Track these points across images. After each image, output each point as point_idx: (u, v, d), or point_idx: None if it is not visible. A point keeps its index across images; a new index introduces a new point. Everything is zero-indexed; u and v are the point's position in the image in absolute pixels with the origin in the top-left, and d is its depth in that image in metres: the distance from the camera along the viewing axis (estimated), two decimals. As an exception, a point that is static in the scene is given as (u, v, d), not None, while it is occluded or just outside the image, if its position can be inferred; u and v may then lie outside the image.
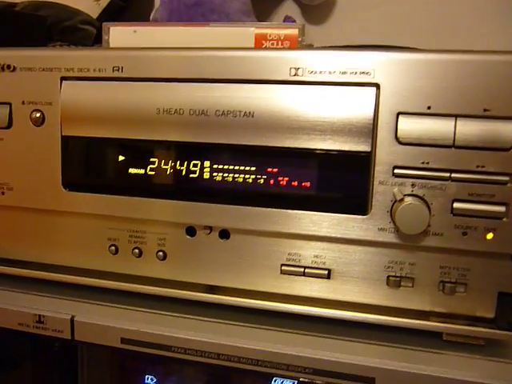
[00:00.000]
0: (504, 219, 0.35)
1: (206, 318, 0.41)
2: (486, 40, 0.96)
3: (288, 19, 1.18)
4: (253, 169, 0.39)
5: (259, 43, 0.45)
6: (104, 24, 0.48)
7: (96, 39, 1.17)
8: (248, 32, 0.45)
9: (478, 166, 0.35)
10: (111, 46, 0.48)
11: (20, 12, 0.96)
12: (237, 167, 0.40)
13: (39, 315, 0.42)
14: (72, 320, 0.41)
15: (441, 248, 0.37)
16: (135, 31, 0.47)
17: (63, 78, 0.42)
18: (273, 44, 0.45)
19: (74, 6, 1.21)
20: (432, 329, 0.38)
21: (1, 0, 1.26)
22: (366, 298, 0.39)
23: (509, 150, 0.35)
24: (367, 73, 0.36)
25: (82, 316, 0.41)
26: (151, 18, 1.19)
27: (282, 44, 0.45)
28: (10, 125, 0.44)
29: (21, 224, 0.46)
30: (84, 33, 1.17)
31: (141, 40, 0.47)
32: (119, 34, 0.47)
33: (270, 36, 0.45)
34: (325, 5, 1.20)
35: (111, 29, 0.47)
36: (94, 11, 1.21)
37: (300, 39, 0.44)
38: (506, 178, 0.35)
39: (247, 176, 0.39)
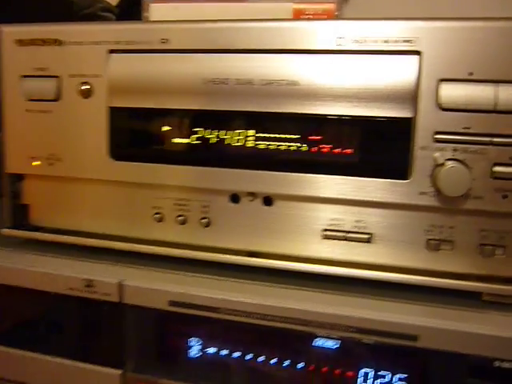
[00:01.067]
0: (544, 181, 0.36)
1: (250, 281, 0.43)
2: None
3: None
4: (296, 136, 0.41)
5: (297, 18, 0.46)
6: (144, 1, 0.49)
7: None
8: (286, 7, 0.46)
9: (518, 130, 0.37)
10: (151, 21, 0.49)
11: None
12: (280, 135, 0.41)
13: (89, 279, 0.44)
14: (120, 284, 0.43)
15: (481, 211, 0.38)
16: (175, 8, 0.48)
17: (111, 51, 0.43)
18: (310, 19, 0.46)
19: (94, -6, 1.23)
20: (472, 289, 0.39)
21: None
22: (406, 261, 0.41)
23: (550, 113, 0.36)
24: (410, 41, 0.38)
25: (131, 280, 0.43)
26: None
27: (319, 19, 0.46)
28: (58, 97, 0.45)
29: (68, 194, 0.47)
30: (104, 20, 1.19)
31: (180, 16, 0.49)
32: (159, 11, 0.49)
33: (307, 11, 0.46)
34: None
35: (151, 6, 0.48)
36: (113, -2, 1.23)
37: (337, 13, 0.45)
38: (547, 141, 0.36)
39: (291, 144, 0.41)
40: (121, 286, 0.43)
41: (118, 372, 0.44)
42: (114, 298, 0.43)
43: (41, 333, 0.47)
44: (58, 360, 0.46)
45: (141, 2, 1.28)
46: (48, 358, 0.46)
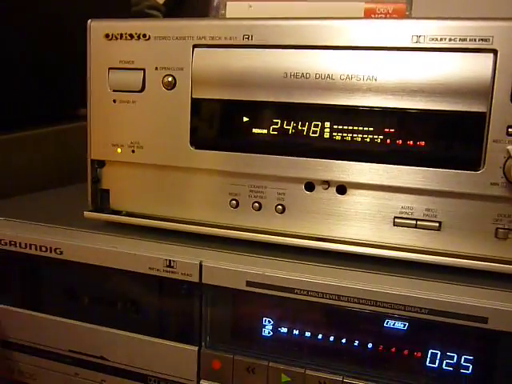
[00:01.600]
0: None
1: (323, 265, 0.45)
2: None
3: None
4: (371, 129, 0.43)
5: (368, 17, 0.49)
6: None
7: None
8: (358, 6, 0.49)
9: None
10: (227, 19, 0.52)
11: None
12: (355, 127, 0.43)
13: (169, 260, 0.46)
14: (200, 264, 0.46)
15: (549, 201, 0.40)
16: (250, 6, 0.51)
17: (195, 46, 0.46)
18: (381, 18, 0.49)
19: (140, -7, 1.26)
20: (540, 275, 0.41)
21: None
22: (475, 249, 0.43)
23: None
24: (486, 39, 0.40)
25: (210, 261, 0.46)
26: None
27: (390, 17, 0.48)
28: (143, 88, 0.48)
29: (149, 180, 0.50)
30: (151, 17, 1.22)
31: (255, 14, 0.51)
32: (235, 8, 0.51)
33: (378, 10, 0.49)
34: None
35: (228, 4, 0.51)
36: (160, -3, 1.27)
37: (408, 13, 0.48)
38: None
39: (365, 136, 0.43)
40: (201, 267, 0.46)
41: (195, 348, 0.47)
42: (195, 279, 0.46)
43: (121, 310, 0.50)
44: (138, 336, 0.49)
45: (186, 0, 1.31)
46: (127, 333, 0.49)
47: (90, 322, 0.51)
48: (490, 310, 0.40)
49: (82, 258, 0.49)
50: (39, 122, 0.69)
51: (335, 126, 0.44)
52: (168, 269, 0.47)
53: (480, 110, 0.40)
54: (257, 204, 0.47)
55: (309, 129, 0.45)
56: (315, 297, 0.43)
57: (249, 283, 0.45)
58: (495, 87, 0.40)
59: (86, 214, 0.51)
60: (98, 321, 0.51)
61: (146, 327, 0.49)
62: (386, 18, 0.48)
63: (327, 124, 0.44)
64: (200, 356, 0.47)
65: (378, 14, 0.48)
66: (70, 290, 0.52)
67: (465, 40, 0.40)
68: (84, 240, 0.50)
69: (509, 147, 0.40)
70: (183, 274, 0.46)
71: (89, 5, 0.73)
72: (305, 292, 0.43)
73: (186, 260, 0.46)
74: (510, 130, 0.40)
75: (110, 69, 0.49)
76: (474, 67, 0.40)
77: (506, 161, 0.40)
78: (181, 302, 0.48)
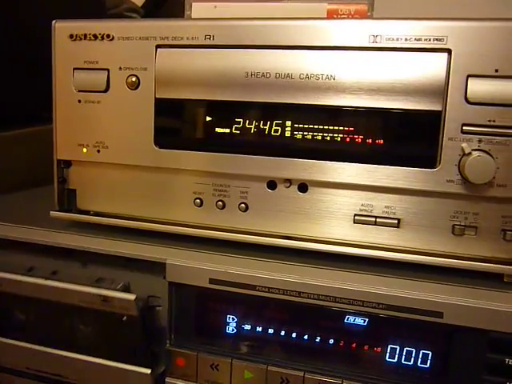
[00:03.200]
0: None
1: (285, 262, 0.46)
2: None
3: None
4: (331, 127, 0.44)
5: (331, 17, 0.50)
6: (186, 0, 0.53)
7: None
8: (321, 7, 0.50)
9: (540, 123, 0.40)
10: (193, 20, 0.52)
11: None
12: (316, 126, 0.44)
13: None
14: (164, 263, 0.46)
15: (504, 198, 0.41)
16: (215, 6, 0.52)
17: (158, 46, 0.47)
18: (344, 19, 0.49)
19: (119, -5, 1.26)
20: (494, 270, 0.42)
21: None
22: (433, 245, 0.44)
23: None
24: (440, 39, 0.41)
25: (173, 259, 0.46)
26: None
27: (352, 18, 0.49)
28: (107, 88, 0.48)
29: (115, 180, 0.50)
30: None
31: (220, 15, 0.52)
32: (200, 9, 0.52)
33: (341, 11, 0.49)
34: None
35: (193, 4, 0.52)
36: (139, -1, 1.27)
37: (369, 14, 0.49)
38: None
39: (325, 134, 0.44)
40: (164, 265, 0.46)
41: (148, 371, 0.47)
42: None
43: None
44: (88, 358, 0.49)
45: (164, 2, 1.31)
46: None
47: (47, 343, 0.51)
48: (445, 304, 0.40)
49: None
50: (10, 124, 0.69)
51: (296, 125, 0.44)
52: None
53: (435, 109, 0.41)
54: (220, 202, 0.48)
55: (270, 128, 0.45)
56: (276, 293, 0.44)
57: (212, 281, 0.45)
58: (450, 86, 0.41)
59: (52, 213, 0.51)
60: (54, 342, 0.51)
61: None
62: (348, 18, 0.49)
63: (288, 123, 0.45)
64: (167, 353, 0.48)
65: (341, 14, 0.49)
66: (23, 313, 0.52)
67: (420, 40, 0.41)
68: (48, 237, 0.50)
69: (463, 145, 0.41)
70: (147, 273, 0.47)
71: (62, 8, 0.73)
72: (266, 289, 0.44)
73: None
74: (464, 128, 0.41)
75: (74, 69, 0.49)
76: (428, 66, 0.41)
77: (461, 158, 0.41)
78: (145, 300, 0.48)
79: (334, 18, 0.49)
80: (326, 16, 0.50)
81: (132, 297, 0.45)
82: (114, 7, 1.22)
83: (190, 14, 0.52)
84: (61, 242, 0.49)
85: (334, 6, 0.49)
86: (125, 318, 0.45)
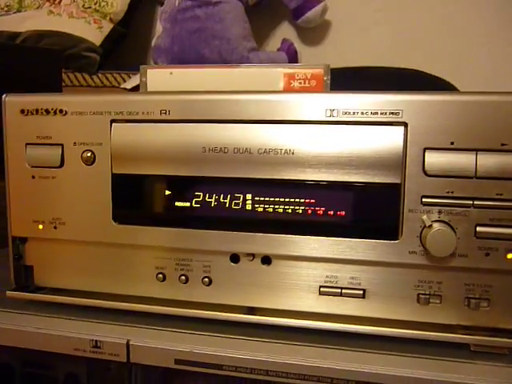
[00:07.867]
0: (523, 241, 0.40)
1: (251, 338, 0.45)
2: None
3: (285, 42, 1.24)
4: (292, 200, 0.43)
5: (288, 82, 0.49)
6: (142, 67, 0.52)
7: (100, 66, 1.21)
8: (277, 72, 0.49)
9: (497, 194, 0.40)
10: (149, 86, 0.52)
11: (34, 47, 0.99)
12: (277, 199, 0.44)
13: (96, 340, 0.45)
14: (128, 344, 0.45)
15: (466, 268, 0.41)
16: (171, 73, 0.51)
17: (113, 121, 0.46)
18: (300, 83, 0.49)
19: (77, 34, 1.25)
20: (460, 341, 0.42)
21: (2, 30, 1.30)
22: (398, 314, 0.44)
23: (525, 180, 0.39)
24: (396, 113, 0.41)
25: (137, 340, 0.45)
26: (153, 43, 1.24)
27: (309, 82, 0.49)
28: (62, 164, 0.47)
29: (73, 256, 0.49)
30: (88, 60, 1.21)
31: (176, 81, 0.51)
32: (156, 75, 0.51)
33: (297, 75, 0.49)
34: (320, 27, 1.26)
35: (148, 71, 0.51)
36: (97, 38, 1.25)
37: (325, 78, 0.48)
38: (524, 205, 0.39)
39: (287, 207, 0.43)
40: (128, 346, 0.45)
41: None
42: (122, 358, 0.45)
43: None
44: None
45: (123, 41, 1.30)
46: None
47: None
48: (412, 379, 0.40)
49: (6, 341, 0.47)
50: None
51: (257, 198, 0.44)
52: (95, 349, 0.45)
53: (394, 181, 0.41)
54: (183, 277, 0.47)
55: (231, 201, 0.44)
56: (244, 372, 0.43)
57: (177, 361, 0.44)
58: (407, 159, 0.41)
59: (9, 293, 0.49)
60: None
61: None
62: (304, 83, 0.49)
63: (249, 196, 0.44)
64: None
65: (297, 79, 0.49)
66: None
67: (376, 113, 0.41)
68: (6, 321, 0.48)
69: (424, 217, 0.41)
70: (110, 355, 0.45)
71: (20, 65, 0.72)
72: (233, 368, 0.43)
73: (112, 340, 0.45)
74: (424, 199, 0.41)
75: (27, 144, 0.48)
76: (386, 140, 0.41)
77: (422, 230, 0.41)
78: (110, 381, 0.47)
79: (291, 83, 0.49)
80: (282, 80, 0.49)
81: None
82: (71, 47, 1.20)
83: (146, 80, 0.51)
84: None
85: (291, 70, 0.49)
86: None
